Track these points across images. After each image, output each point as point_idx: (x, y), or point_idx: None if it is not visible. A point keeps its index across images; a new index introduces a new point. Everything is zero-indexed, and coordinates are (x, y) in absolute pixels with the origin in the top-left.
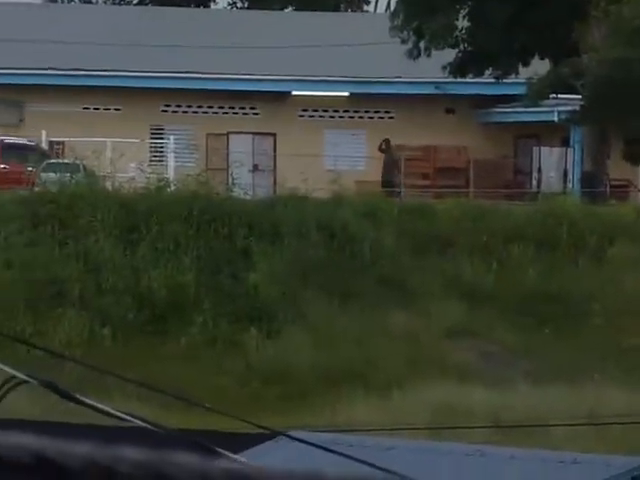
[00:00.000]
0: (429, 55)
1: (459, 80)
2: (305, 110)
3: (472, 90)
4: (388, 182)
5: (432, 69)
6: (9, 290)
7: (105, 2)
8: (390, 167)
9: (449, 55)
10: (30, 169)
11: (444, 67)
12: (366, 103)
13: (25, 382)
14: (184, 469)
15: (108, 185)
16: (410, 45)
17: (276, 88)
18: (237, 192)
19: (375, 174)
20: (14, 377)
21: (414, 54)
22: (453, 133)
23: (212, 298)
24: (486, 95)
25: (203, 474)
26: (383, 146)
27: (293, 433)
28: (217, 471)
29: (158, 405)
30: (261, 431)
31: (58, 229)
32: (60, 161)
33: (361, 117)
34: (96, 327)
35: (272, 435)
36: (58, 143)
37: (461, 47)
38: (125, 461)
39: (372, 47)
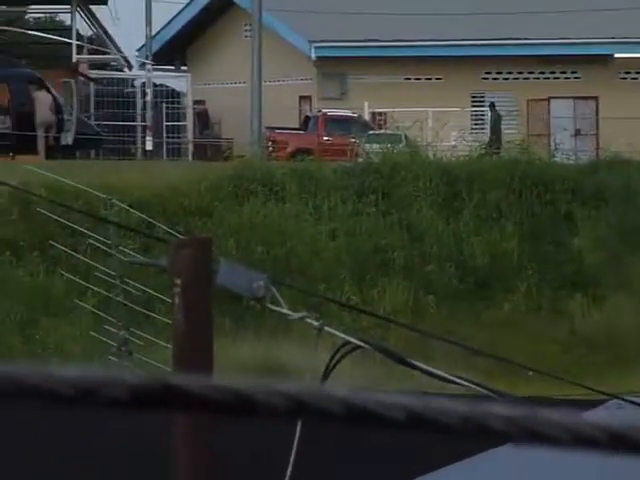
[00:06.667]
0: None
1: None
2: (628, 72)
3: None
4: (493, 140)
5: None
6: (335, 259)
7: None
8: (495, 127)
9: None
10: (353, 141)
11: None
12: None
13: (359, 347)
14: (558, 426)
15: (429, 154)
16: None
17: (597, 51)
18: (559, 157)
19: None
20: (348, 343)
21: None
22: None
23: (535, 265)
24: None
25: (576, 432)
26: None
27: (628, 396)
28: (591, 427)
29: (482, 371)
30: (591, 397)
31: (381, 199)
32: (382, 132)
33: None
34: (420, 295)
35: (602, 400)
36: (380, 114)
37: None
38: (497, 417)
39: None
